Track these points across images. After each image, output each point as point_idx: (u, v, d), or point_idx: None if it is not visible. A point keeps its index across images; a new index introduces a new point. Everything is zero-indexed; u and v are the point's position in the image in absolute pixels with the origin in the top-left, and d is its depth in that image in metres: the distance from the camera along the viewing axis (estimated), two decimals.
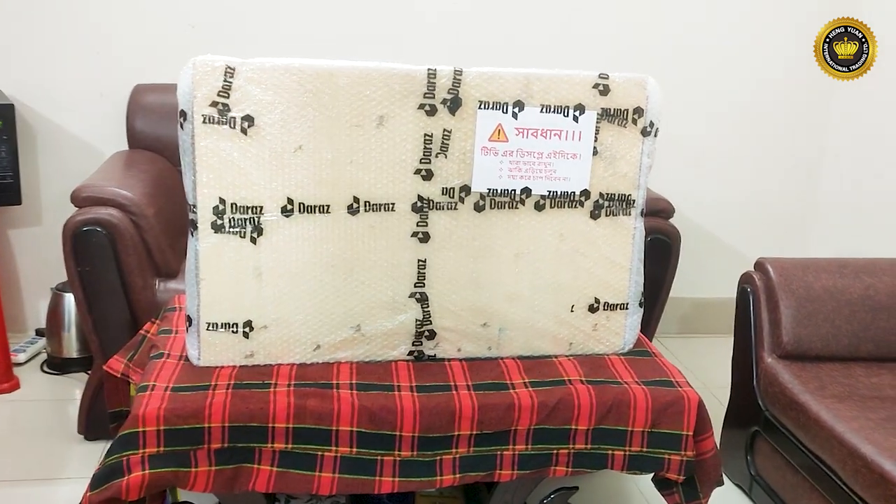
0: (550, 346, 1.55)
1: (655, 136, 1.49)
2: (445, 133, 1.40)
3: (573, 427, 1.39)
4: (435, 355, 1.51)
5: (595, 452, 1.41)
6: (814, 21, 1.75)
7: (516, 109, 1.41)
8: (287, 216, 1.38)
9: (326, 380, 1.39)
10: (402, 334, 1.48)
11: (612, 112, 1.45)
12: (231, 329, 1.40)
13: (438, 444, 1.35)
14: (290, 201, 1.38)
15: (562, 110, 1.43)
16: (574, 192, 1.48)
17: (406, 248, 1.44)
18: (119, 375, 1.72)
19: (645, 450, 1.41)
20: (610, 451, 1.41)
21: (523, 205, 1.46)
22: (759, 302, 1.95)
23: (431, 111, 1.39)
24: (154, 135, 2.47)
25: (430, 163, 1.41)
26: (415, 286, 1.46)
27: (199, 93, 1.30)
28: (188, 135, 1.33)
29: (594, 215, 1.50)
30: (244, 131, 1.33)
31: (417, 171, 1.41)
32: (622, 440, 1.41)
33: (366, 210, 1.41)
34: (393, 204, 1.42)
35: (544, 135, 1.44)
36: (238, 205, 1.36)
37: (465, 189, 1.43)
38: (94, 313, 1.98)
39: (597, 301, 1.54)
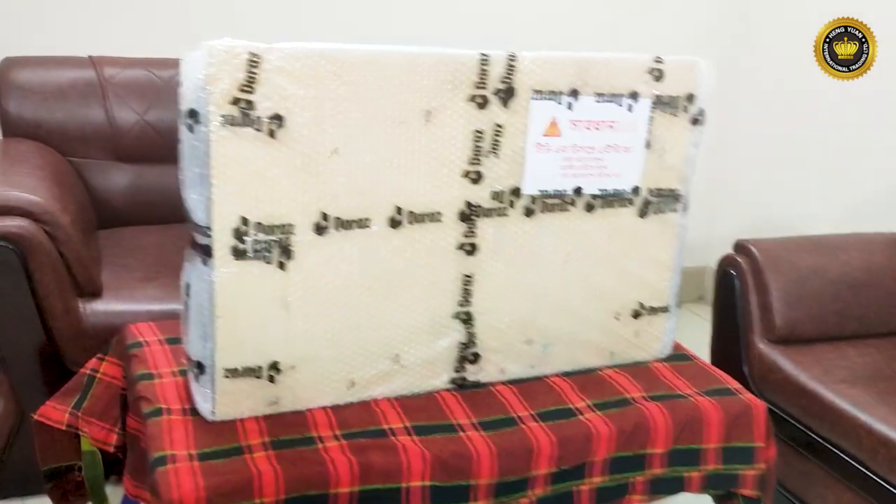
0: (594, 358, 1.43)
1: (704, 124, 1.39)
2: (497, 129, 1.23)
3: (649, 451, 1.28)
4: (479, 380, 1.34)
5: (672, 476, 1.31)
6: (814, 21, 1.73)
7: (571, 99, 1.26)
8: (321, 234, 1.16)
9: (375, 424, 1.20)
10: (443, 360, 1.31)
11: (664, 99, 1.33)
12: (254, 374, 1.17)
13: (515, 487, 1.20)
14: (325, 216, 1.16)
15: (616, 99, 1.29)
16: (625, 190, 1.35)
17: (451, 263, 1.26)
18: (64, 427, 1.43)
19: (721, 467, 1.33)
20: (686, 473, 1.32)
21: (574, 206, 1.32)
22: (747, 285, 1.93)
23: (483, 103, 1.21)
24: (35, 120, 2.09)
25: (479, 163, 1.23)
26: (459, 305, 1.29)
27: (218, 87, 1.05)
28: (201, 140, 1.07)
29: (642, 213, 1.38)
30: (272, 134, 1.10)
31: (466, 174, 1.23)
32: (697, 460, 1.32)
33: (409, 222, 1.21)
34: (439, 213, 1.23)
35: (598, 127, 1.30)
36: (264, 224, 1.12)
37: (516, 192, 1.27)
38: (3, 346, 1.64)
39: (641, 306, 1.44)
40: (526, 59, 1.22)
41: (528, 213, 1.29)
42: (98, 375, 1.44)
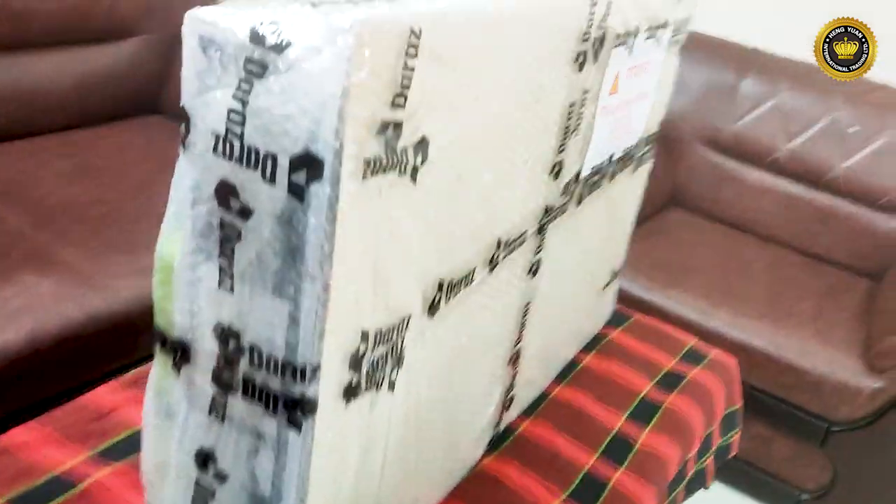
0: (573, 348, 1.21)
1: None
2: (583, 96, 0.87)
3: (689, 456, 1.15)
4: (507, 427, 1.04)
5: (698, 472, 1.20)
6: (814, 21, 1.61)
7: (632, 40, 0.95)
8: (432, 315, 0.72)
9: None
10: (488, 423, 0.97)
11: (677, 26, 1.09)
12: None
13: None
14: (440, 286, 0.71)
15: (655, 32, 1.01)
16: (633, 146, 1.10)
17: (518, 293, 0.91)
18: None
19: (721, 441, 1.26)
20: (706, 463, 1.22)
21: (606, 178, 1.04)
22: None
23: (583, 63, 0.84)
24: None
25: (564, 150, 0.87)
26: (514, 345, 0.95)
27: (364, 107, 0.53)
28: (317, 213, 0.54)
29: (636, 168, 1.16)
30: (414, 175, 0.61)
31: (552, 169, 0.87)
32: (711, 443, 1.22)
33: (504, 256, 0.82)
34: (525, 232, 0.86)
35: (637, 73, 1.01)
36: (383, 331, 0.65)
37: (577, 178, 0.94)
38: None
39: (612, 274, 1.24)
40: None
41: (580, 200, 0.98)
42: None
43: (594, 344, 1.25)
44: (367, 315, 0.62)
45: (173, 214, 0.61)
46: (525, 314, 0.94)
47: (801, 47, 1.87)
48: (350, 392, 0.63)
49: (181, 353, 0.64)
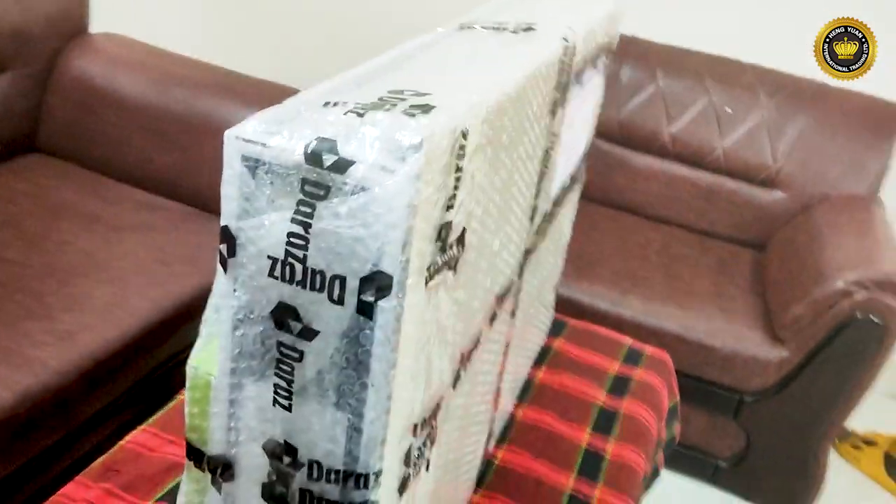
0: (529, 368, 1.23)
1: None
2: (553, 139, 0.89)
3: (646, 457, 1.20)
4: (486, 460, 1.05)
5: (654, 467, 1.25)
6: (814, 21, 1.64)
7: (583, 75, 0.97)
8: (455, 388, 0.72)
9: None
10: (477, 464, 0.98)
11: (609, 48, 1.12)
12: None
13: None
14: (462, 358, 0.72)
15: (598, 60, 1.04)
16: (576, 167, 1.13)
17: (503, 337, 0.92)
18: None
19: (667, 434, 1.32)
20: (658, 459, 1.27)
21: (559, 206, 1.06)
22: None
23: (554, 110, 0.85)
24: None
25: (539, 194, 0.89)
26: (498, 388, 0.96)
27: (427, 220, 0.52)
28: (384, 328, 0.53)
29: (575, 186, 1.18)
30: (455, 267, 0.61)
31: (532, 215, 0.88)
32: (661, 439, 1.28)
33: (498, 307, 0.83)
34: (511, 283, 0.86)
35: (584, 102, 1.04)
36: (426, 419, 0.65)
37: (544, 216, 0.96)
38: None
39: (555, 289, 1.27)
40: (581, 31, 0.88)
41: (544, 235, 0.99)
42: None
43: (542, 357, 1.28)
44: (416, 410, 0.62)
45: (210, 332, 0.58)
46: (506, 355, 0.96)
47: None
48: (403, 486, 0.63)
49: (223, 470, 0.61)
